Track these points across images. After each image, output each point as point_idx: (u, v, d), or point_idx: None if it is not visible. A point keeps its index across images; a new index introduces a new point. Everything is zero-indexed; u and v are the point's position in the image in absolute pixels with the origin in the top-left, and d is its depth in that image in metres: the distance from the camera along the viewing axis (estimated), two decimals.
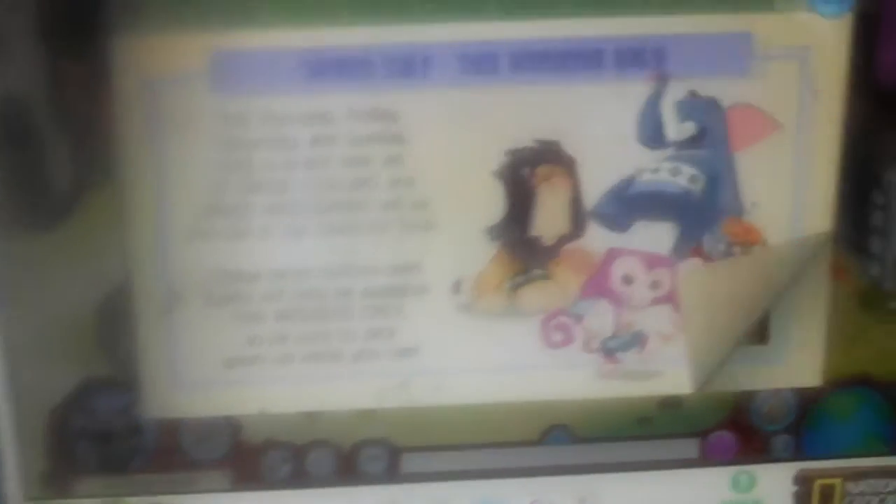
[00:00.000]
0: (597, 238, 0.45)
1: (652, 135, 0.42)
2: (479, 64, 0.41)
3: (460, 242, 0.44)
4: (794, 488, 0.48)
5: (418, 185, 0.43)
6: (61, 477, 0.46)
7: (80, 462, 0.46)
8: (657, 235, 0.45)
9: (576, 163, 0.44)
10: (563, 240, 0.45)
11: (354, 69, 0.41)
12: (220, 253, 0.45)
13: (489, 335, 0.46)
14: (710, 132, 0.44)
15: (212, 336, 0.46)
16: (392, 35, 0.41)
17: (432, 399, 0.46)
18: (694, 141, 0.44)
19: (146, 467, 0.47)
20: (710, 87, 0.43)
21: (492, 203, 0.44)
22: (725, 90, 0.43)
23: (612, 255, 0.45)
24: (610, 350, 0.47)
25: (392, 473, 0.47)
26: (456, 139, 0.43)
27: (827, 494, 0.48)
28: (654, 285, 0.46)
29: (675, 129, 0.44)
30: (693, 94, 0.43)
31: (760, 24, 0.42)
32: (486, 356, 0.46)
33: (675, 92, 0.43)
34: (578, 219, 0.45)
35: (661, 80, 0.42)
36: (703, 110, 0.43)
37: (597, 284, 0.46)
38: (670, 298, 0.46)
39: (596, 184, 0.44)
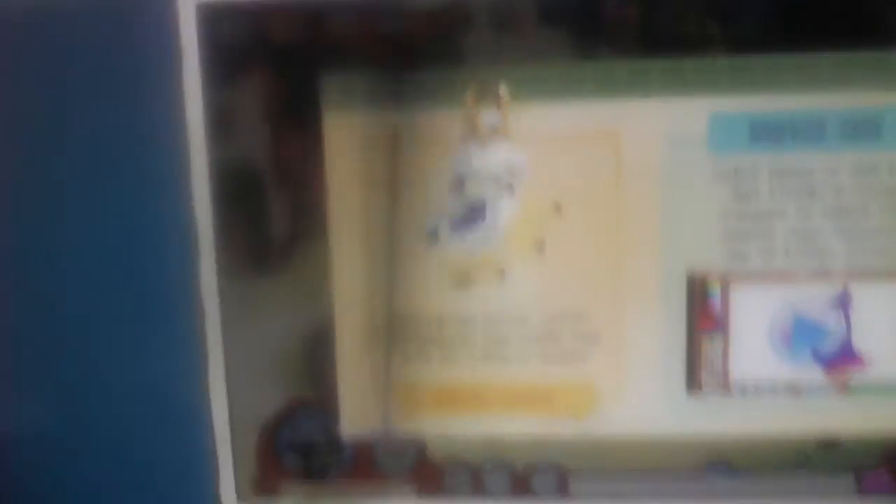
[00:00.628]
0: None
1: None
2: None
3: None
4: None
5: None
6: (268, 482, 0.53)
7: (285, 470, 0.53)
8: None
9: None
10: None
11: None
12: (413, 299, 0.50)
13: None
14: None
15: (403, 369, 0.51)
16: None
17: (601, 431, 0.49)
18: None
19: (342, 477, 0.52)
20: None
21: None
22: None
23: None
24: None
25: (561, 494, 0.50)
26: None
27: None
28: None
29: None
30: None
31: None
32: None
33: None
34: None
35: None
36: None
37: None
38: None
39: None
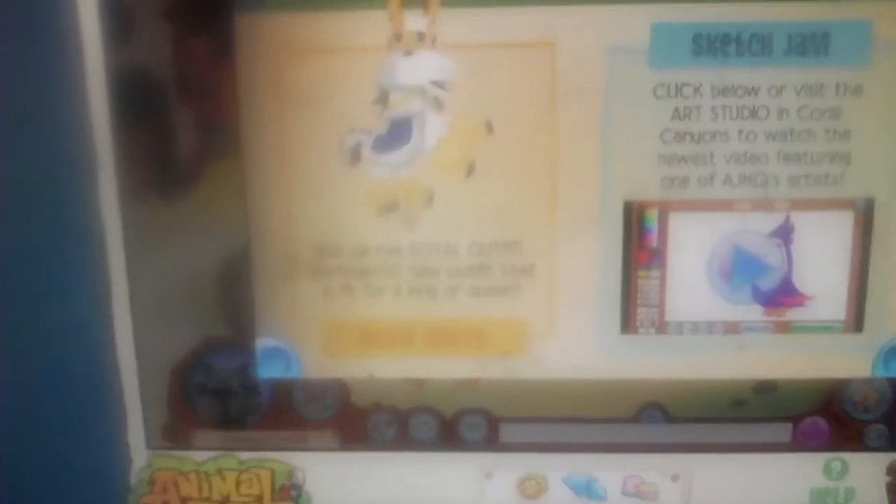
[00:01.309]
0: None
1: None
2: None
3: None
4: (887, 479, 0.45)
5: None
6: (181, 429, 0.48)
7: (199, 416, 0.48)
8: None
9: None
10: None
11: None
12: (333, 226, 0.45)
13: None
14: None
15: (325, 303, 0.46)
16: None
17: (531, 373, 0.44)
18: None
19: (259, 424, 0.48)
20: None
21: None
22: None
23: None
24: None
25: (490, 442, 0.45)
26: None
27: None
28: None
29: None
30: None
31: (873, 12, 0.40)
32: None
33: None
34: None
35: None
36: None
37: None
38: None
39: None
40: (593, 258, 0.46)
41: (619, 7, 0.42)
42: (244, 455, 0.48)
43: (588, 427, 0.47)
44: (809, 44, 0.43)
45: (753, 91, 0.43)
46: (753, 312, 0.46)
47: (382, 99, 0.44)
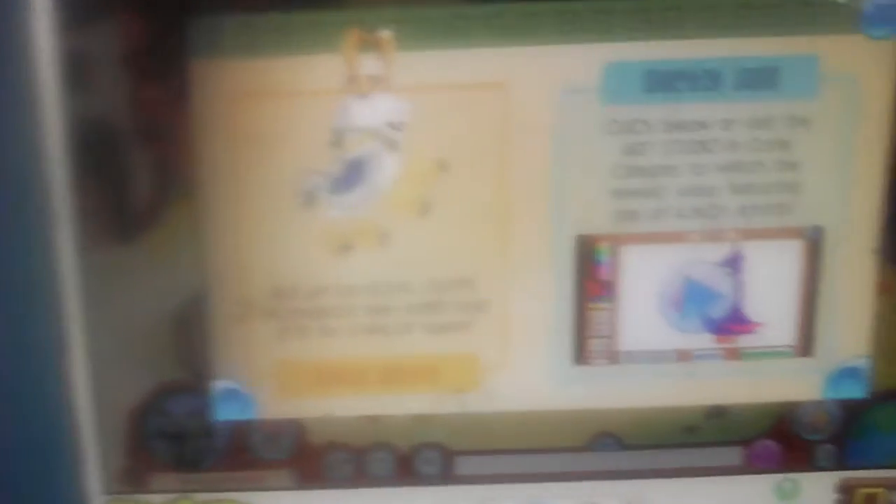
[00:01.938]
0: None
1: None
2: None
3: None
4: (836, 496, 0.44)
5: None
6: (138, 473, 0.47)
7: (156, 460, 0.47)
8: None
9: None
10: None
11: None
12: (289, 267, 0.44)
13: None
14: None
15: (281, 344, 0.46)
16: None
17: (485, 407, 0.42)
18: None
19: (216, 466, 0.47)
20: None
21: None
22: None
23: None
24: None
25: (447, 475, 0.44)
26: None
27: (870, 503, 0.45)
28: None
29: None
30: None
31: (820, 47, 0.39)
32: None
33: None
34: None
35: None
36: None
37: None
38: None
39: None
40: (546, 292, 0.45)
41: (570, 47, 0.43)
42: (202, 496, 0.47)
43: (543, 457, 0.46)
44: (758, 78, 0.43)
45: (704, 125, 0.44)
46: (704, 340, 0.46)
47: (338, 141, 0.43)
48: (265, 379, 0.46)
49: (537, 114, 0.43)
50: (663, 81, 0.43)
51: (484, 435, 0.45)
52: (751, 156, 0.44)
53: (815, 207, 0.44)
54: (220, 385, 0.46)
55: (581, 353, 0.47)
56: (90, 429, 0.46)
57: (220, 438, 0.47)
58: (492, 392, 0.47)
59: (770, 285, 0.46)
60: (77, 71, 0.42)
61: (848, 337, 0.43)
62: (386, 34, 0.42)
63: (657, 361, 0.46)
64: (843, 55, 0.41)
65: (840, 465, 0.45)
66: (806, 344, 0.45)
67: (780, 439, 0.45)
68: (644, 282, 0.46)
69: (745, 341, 0.46)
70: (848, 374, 0.45)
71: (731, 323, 0.47)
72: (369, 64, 0.43)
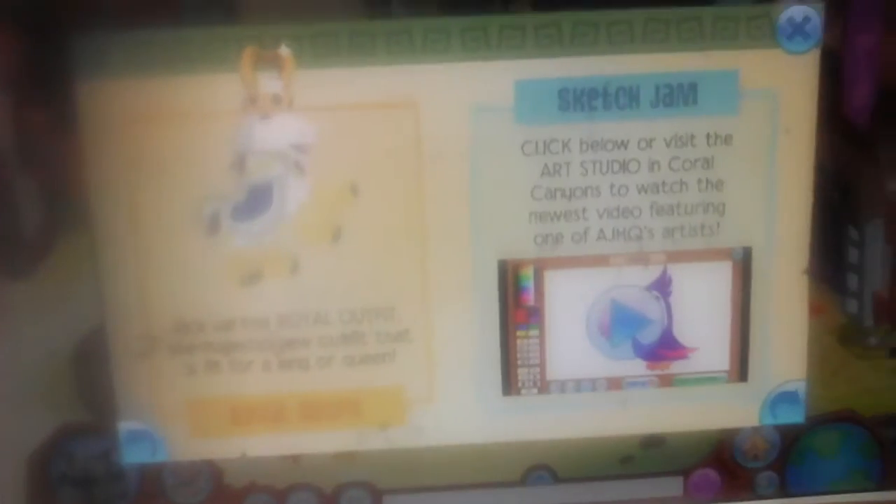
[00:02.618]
0: None
1: None
2: None
3: None
4: None
5: None
6: None
7: None
8: None
9: None
10: None
11: None
12: (194, 299, 0.42)
13: None
14: None
15: (189, 381, 0.44)
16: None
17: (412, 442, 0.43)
18: None
19: None
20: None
21: None
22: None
23: None
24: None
25: None
26: None
27: None
28: None
29: None
30: None
31: (739, 62, 0.40)
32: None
33: None
34: None
35: None
36: None
37: None
38: None
39: None
40: (470, 320, 0.43)
41: (480, 65, 0.40)
42: None
43: (475, 493, 0.45)
44: (677, 94, 0.41)
45: (623, 144, 0.41)
46: (636, 367, 0.45)
47: (239, 164, 0.40)
48: (175, 418, 0.43)
49: (450, 134, 0.41)
50: (578, 100, 0.41)
51: (412, 471, 0.45)
52: (673, 175, 0.42)
53: (741, 228, 0.43)
54: (126, 426, 0.43)
55: (510, 384, 0.45)
56: None
57: (129, 482, 0.45)
58: (418, 426, 0.44)
59: (700, 309, 0.44)
60: None
61: (783, 361, 0.43)
62: (285, 51, 0.40)
63: (588, 390, 0.45)
64: (762, 70, 0.41)
65: (782, 493, 0.45)
66: (740, 369, 0.44)
67: (720, 468, 0.45)
68: (571, 307, 0.44)
69: (677, 367, 0.45)
70: (784, 398, 0.45)
71: (662, 348, 0.45)
72: (270, 83, 0.40)
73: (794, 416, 0.42)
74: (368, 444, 0.44)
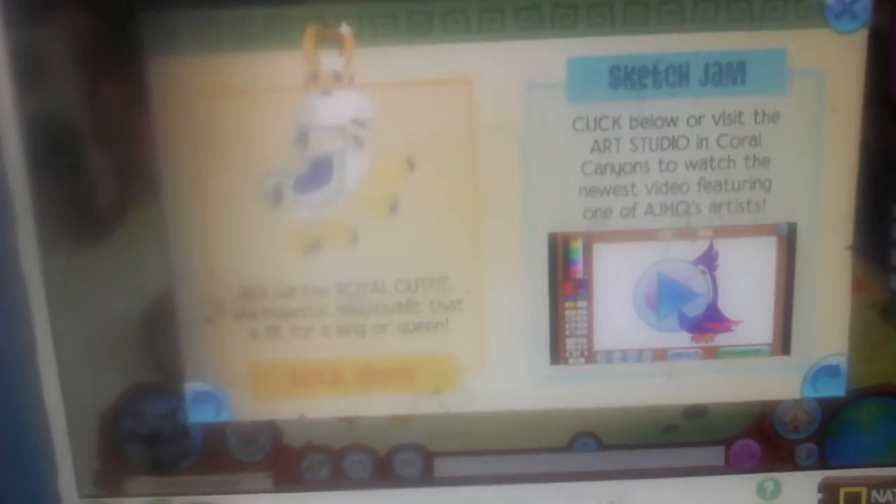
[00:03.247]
0: None
1: None
2: None
3: None
4: (819, 496, 0.43)
5: None
6: (112, 476, 0.46)
7: (130, 462, 0.46)
8: None
9: None
10: None
11: None
12: (257, 268, 0.43)
13: None
14: None
15: (252, 346, 0.45)
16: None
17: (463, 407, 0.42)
18: None
19: (192, 468, 0.46)
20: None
21: None
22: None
23: None
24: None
25: (426, 477, 0.44)
26: None
27: (853, 502, 0.43)
28: None
29: None
30: None
31: (788, 41, 0.38)
32: None
33: None
34: None
35: None
36: None
37: None
38: None
39: None
40: (520, 291, 0.44)
41: (534, 43, 0.40)
42: (178, 500, 0.45)
43: (522, 458, 0.45)
44: (726, 73, 0.41)
45: (672, 121, 0.42)
46: (681, 339, 0.44)
47: (302, 139, 0.41)
48: (238, 381, 0.45)
49: (503, 110, 0.41)
50: (629, 77, 0.41)
51: (463, 436, 0.44)
52: (721, 152, 0.42)
53: (787, 204, 0.42)
54: (192, 387, 0.45)
55: (558, 353, 0.45)
56: (62, 433, 0.45)
57: (194, 441, 0.45)
58: (470, 392, 0.45)
59: (745, 283, 0.44)
60: (33, 71, 0.40)
61: (825, 335, 0.42)
62: (345, 30, 0.41)
63: (634, 361, 0.45)
64: (810, 49, 0.39)
65: (822, 464, 0.43)
66: (783, 342, 0.44)
67: (761, 439, 0.44)
68: (618, 280, 0.44)
69: (721, 340, 0.44)
70: (826, 372, 0.44)
71: (707, 321, 0.45)
72: (331, 60, 0.41)
73: (834, 389, 0.42)
74: (421, 408, 0.45)
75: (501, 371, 0.44)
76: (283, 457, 0.44)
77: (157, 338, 0.44)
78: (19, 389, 0.44)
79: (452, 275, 0.44)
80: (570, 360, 0.45)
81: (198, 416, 0.44)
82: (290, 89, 0.41)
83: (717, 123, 0.42)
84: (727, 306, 0.44)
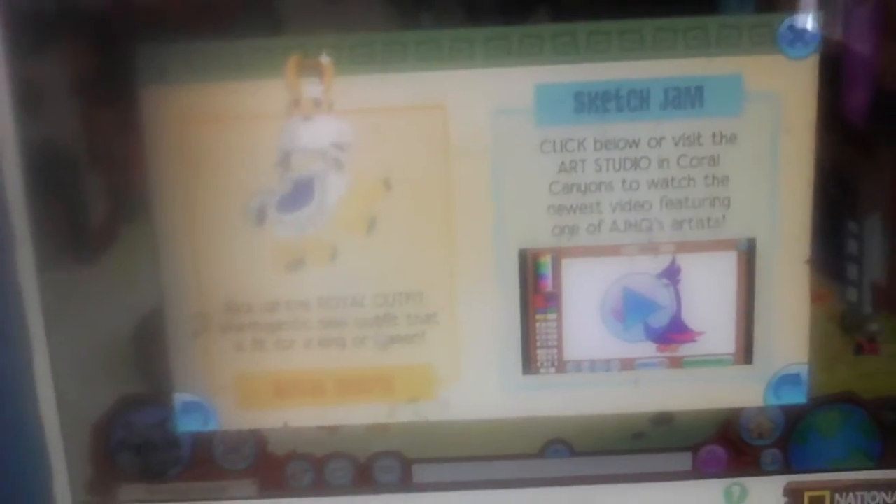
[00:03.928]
0: None
1: None
2: None
3: None
4: (784, 500, 0.44)
5: None
6: (105, 483, 0.46)
7: (122, 470, 0.46)
8: None
9: None
10: None
11: None
12: (243, 283, 0.43)
13: None
14: None
15: (238, 358, 0.45)
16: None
17: (439, 416, 0.43)
18: None
19: (181, 476, 0.46)
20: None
21: None
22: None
23: None
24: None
25: (404, 483, 0.45)
26: None
27: None
28: None
29: None
30: None
31: (743, 67, 0.40)
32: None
33: None
34: None
35: None
36: None
37: None
38: None
39: None
40: (493, 304, 0.44)
41: (503, 70, 0.41)
42: None
43: (497, 464, 0.45)
44: (685, 97, 0.43)
45: (634, 143, 0.44)
46: (647, 349, 0.45)
47: (284, 162, 0.44)
48: (225, 392, 0.45)
49: (475, 134, 0.43)
50: (593, 102, 0.44)
51: (439, 443, 0.44)
52: (681, 172, 0.44)
53: (746, 220, 0.42)
54: (181, 398, 0.45)
55: (530, 363, 0.45)
56: (58, 442, 0.45)
57: (183, 449, 0.45)
58: (445, 401, 0.45)
59: (708, 296, 0.44)
60: (32, 99, 0.42)
61: (786, 345, 0.43)
62: (325, 60, 0.43)
63: (602, 370, 0.45)
64: (765, 74, 0.40)
65: (786, 469, 0.45)
66: (745, 352, 0.43)
67: (727, 445, 0.45)
68: (586, 293, 0.44)
69: (686, 350, 0.44)
70: (788, 380, 0.44)
71: (672, 332, 0.46)
72: (312, 88, 0.43)
73: (796, 397, 0.43)
74: (399, 417, 0.44)
75: (476, 381, 0.44)
76: (267, 464, 0.45)
77: (148, 351, 0.44)
78: (16, 401, 0.45)
79: (428, 289, 0.45)
80: (542, 370, 0.45)
81: (186, 425, 0.44)
82: (274, 115, 0.42)
83: (677, 144, 0.44)
84: (691, 318, 0.45)
